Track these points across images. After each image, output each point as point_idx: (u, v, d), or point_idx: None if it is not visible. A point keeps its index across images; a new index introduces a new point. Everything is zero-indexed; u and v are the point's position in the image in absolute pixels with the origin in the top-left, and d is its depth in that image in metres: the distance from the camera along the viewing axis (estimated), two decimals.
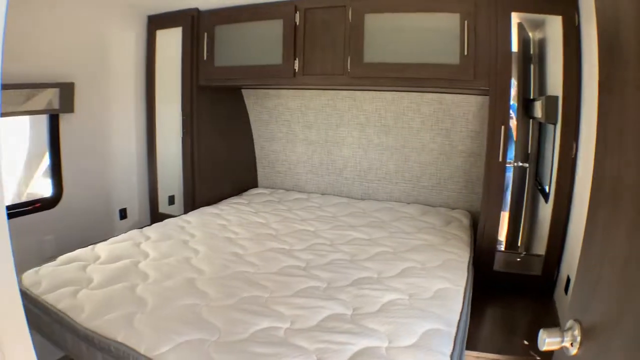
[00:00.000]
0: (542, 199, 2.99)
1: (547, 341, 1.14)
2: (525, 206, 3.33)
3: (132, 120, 3.96)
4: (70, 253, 2.59)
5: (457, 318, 1.98)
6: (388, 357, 1.65)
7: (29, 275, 2.32)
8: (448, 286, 2.24)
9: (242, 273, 2.37)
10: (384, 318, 1.90)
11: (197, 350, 1.70)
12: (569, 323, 1.17)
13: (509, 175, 3.13)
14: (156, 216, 4.00)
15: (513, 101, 3.12)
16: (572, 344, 1.13)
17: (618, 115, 1.04)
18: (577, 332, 1.12)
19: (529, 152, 3.23)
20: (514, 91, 3.02)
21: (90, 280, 2.27)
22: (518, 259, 3.14)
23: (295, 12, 3.24)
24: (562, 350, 1.19)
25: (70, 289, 2.17)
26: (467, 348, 2.22)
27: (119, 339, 1.80)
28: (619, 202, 1.03)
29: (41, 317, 2.10)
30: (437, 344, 1.73)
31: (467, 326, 2.17)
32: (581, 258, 1.24)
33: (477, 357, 2.27)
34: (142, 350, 1.73)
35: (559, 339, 1.14)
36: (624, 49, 1.01)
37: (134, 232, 2.98)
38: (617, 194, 1.04)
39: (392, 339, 1.75)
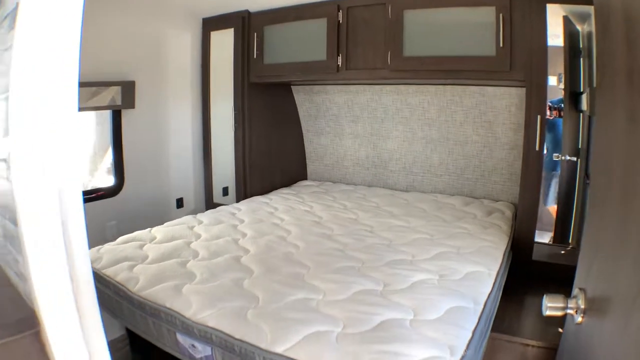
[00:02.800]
0: None
1: (549, 306, 1.19)
2: (576, 200, 3.30)
3: (188, 116, 4.20)
4: (129, 234, 2.81)
5: (485, 299, 2.04)
6: (411, 328, 1.74)
7: (91, 253, 2.52)
8: (480, 270, 2.29)
9: (285, 253, 2.51)
10: (412, 294, 1.99)
11: (236, 314, 1.86)
12: (575, 292, 1.21)
13: (557, 170, 3.12)
14: (211, 206, 4.19)
15: (562, 95, 3.10)
16: (576, 312, 1.17)
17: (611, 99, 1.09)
18: (581, 301, 1.16)
19: (579, 146, 3.20)
20: (561, 84, 3.00)
21: (145, 256, 2.47)
22: (562, 252, 3.13)
23: (338, 11, 3.37)
24: (571, 319, 1.23)
25: (127, 264, 2.38)
26: (499, 332, 2.30)
27: (168, 305, 1.98)
28: (612, 172, 1.08)
29: (101, 290, 2.29)
30: (461, 319, 1.81)
31: (496, 308, 2.24)
32: (585, 228, 1.28)
33: (508, 340, 2.33)
34: (188, 315, 1.90)
35: (562, 305, 1.18)
36: (613, 36, 1.05)
37: (188, 217, 3.17)
38: (610, 166, 1.09)
39: (417, 313, 1.84)
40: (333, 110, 4.26)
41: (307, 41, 3.57)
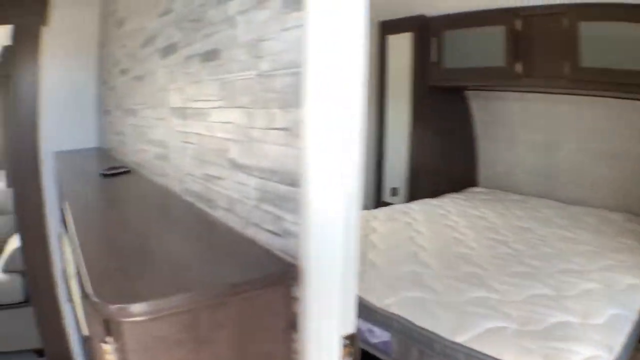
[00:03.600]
0: None
1: None
2: None
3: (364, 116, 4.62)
4: None
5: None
6: (580, 329, 1.99)
7: None
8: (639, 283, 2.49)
9: (461, 253, 2.85)
10: (581, 300, 2.23)
11: (418, 304, 2.19)
12: None
13: None
14: (380, 204, 4.51)
15: None
16: None
17: None
18: None
19: None
20: None
21: None
22: None
23: (516, 19, 3.59)
24: None
25: None
26: None
27: None
28: None
29: None
30: (619, 325, 2.05)
31: None
32: None
33: None
34: (372, 300, 2.25)
35: None
36: None
37: (363, 212, 3.55)
38: None
39: (585, 317, 2.08)
40: (507, 117, 4.45)
41: (485, 47, 3.82)
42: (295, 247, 1.26)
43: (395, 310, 2.19)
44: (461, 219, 3.59)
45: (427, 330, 2.04)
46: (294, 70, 1.23)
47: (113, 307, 1.02)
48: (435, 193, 4.43)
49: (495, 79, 3.85)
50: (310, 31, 1.15)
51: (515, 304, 2.20)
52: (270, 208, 1.39)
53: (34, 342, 4.29)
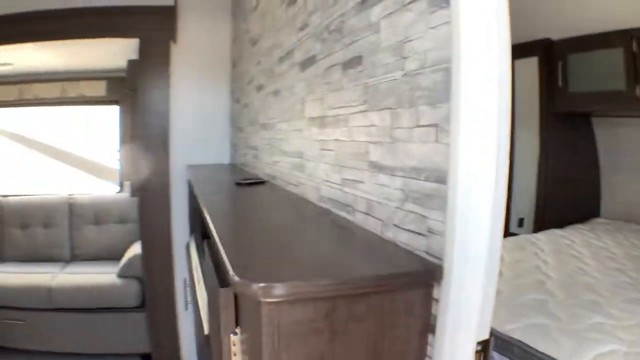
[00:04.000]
0: None
1: None
2: None
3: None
4: None
5: None
6: None
7: None
8: None
9: (585, 282, 2.97)
10: None
11: (541, 331, 2.29)
12: None
13: None
14: (506, 234, 4.43)
15: None
16: None
17: None
18: None
19: None
20: None
21: None
22: None
23: (631, 41, 3.57)
24: None
25: None
26: None
27: None
28: None
29: None
30: None
31: None
32: None
33: None
34: (493, 325, 2.34)
35: None
36: None
37: None
38: None
39: None
40: (629, 145, 4.41)
41: (606, 70, 3.83)
42: (439, 247, 1.25)
43: (517, 336, 2.28)
44: (585, 250, 3.68)
45: (546, 355, 2.14)
46: (443, 66, 1.24)
47: (255, 286, 1.05)
48: (560, 223, 4.39)
49: (616, 104, 3.83)
50: (459, 26, 1.15)
51: (627, 328, 2.32)
52: (414, 207, 1.38)
53: (142, 347, 4.57)
